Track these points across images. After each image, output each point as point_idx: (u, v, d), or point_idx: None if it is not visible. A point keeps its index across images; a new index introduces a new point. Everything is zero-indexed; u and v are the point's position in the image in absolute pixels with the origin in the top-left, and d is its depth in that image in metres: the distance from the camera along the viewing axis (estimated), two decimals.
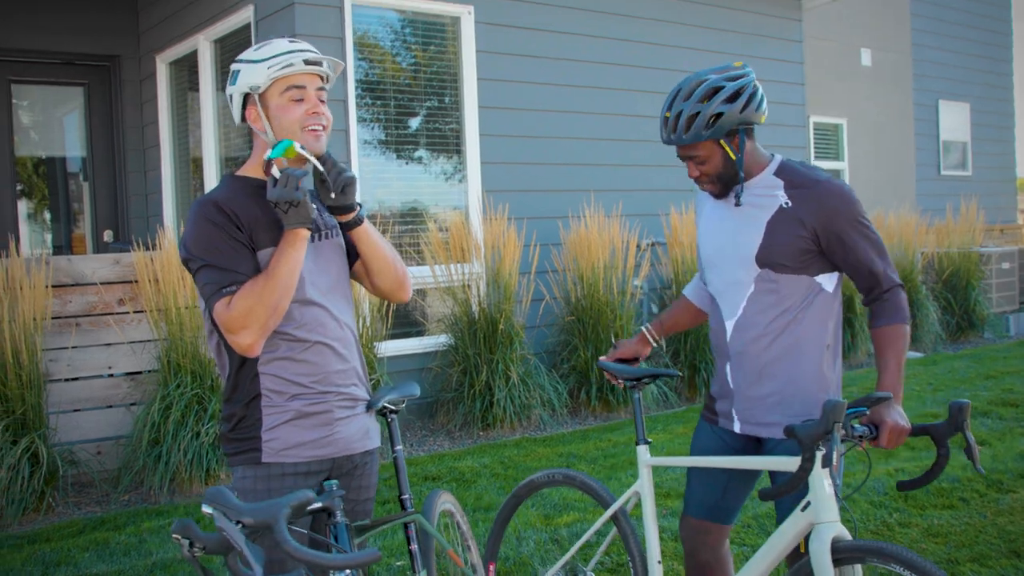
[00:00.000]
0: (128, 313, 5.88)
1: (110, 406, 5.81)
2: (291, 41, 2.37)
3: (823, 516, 2.31)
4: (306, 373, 2.35)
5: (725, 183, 2.62)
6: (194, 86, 8.17)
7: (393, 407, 2.76)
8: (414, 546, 2.77)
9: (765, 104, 2.58)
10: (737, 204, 2.61)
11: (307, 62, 2.33)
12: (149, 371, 5.86)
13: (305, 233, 2.27)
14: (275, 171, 2.24)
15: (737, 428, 2.70)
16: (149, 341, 5.86)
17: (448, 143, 7.53)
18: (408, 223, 7.35)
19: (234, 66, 2.39)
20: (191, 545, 1.73)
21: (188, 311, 5.66)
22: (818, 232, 2.52)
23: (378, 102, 7.19)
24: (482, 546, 3.98)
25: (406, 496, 2.82)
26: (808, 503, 2.35)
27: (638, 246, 7.83)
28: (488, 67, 7.54)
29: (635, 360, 3.08)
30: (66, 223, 9.18)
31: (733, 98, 2.52)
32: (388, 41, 7.32)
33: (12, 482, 5.06)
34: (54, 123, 9.30)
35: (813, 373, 2.60)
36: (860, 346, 9.41)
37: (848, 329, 9.31)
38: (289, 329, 2.33)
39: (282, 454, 2.33)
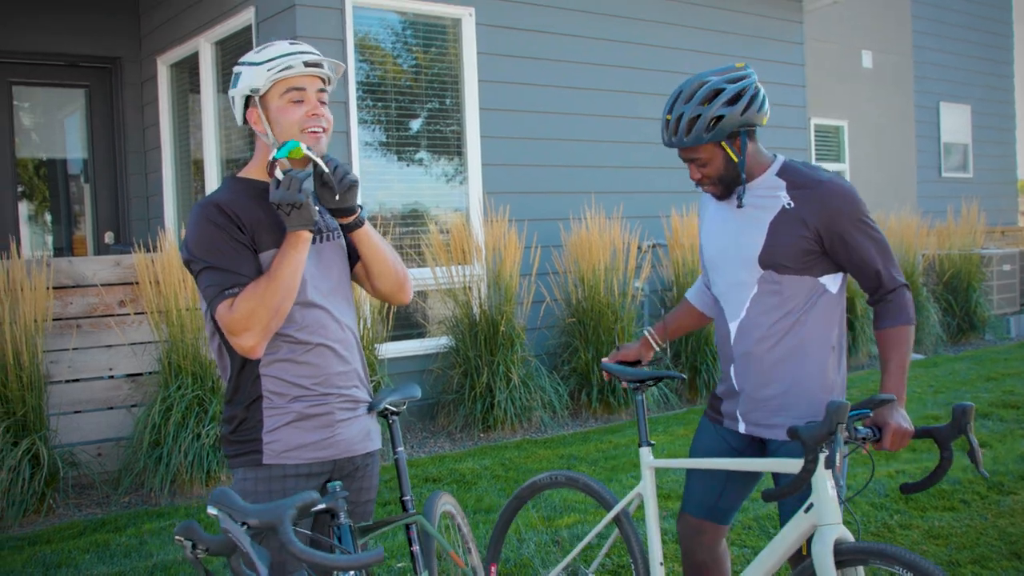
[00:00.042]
0: (129, 315, 5.88)
1: (111, 408, 5.81)
2: (292, 43, 2.37)
3: (826, 518, 2.30)
4: (307, 375, 2.35)
5: (727, 185, 2.62)
6: (195, 88, 8.17)
7: (394, 409, 2.76)
8: (415, 547, 2.77)
9: (767, 105, 2.57)
10: (739, 206, 2.60)
11: (307, 64, 2.33)
12: (150, 373, 5.86)
13: (307, 235, 2.27)
14: (278, 173, 2.24)
15: (742, 429, 2.70)
16: (150, 343, 5.86)
17: (449, 145, 7.53)
18: (409, 225, 7.35)
19: (236, 68, 2.39)
20: (194, 547, 1.73)
21: (189, 313, 5.66)
22: (821, 232, 2.51)
23: (379, 104, 7.20)
24: (483, 548, 3.98)
25: (407, 498, 2.82)
26: (811, 505, 2.35)
27: (639, 248, 7.82)
28: (489, 69, 7.55)
29: (637, 363, 3.08)
30: (67, 225, 9.19)
31: (734, 100, 2.51)
32: (389, 43, 7.32)
33: (13, 484, 5.06)
34: (55, 125, 9.30)
35: (818, 375, 2.59)
36: (861, 347, 9.40)
37: (849, 331, 9.30)
38: (290, 331, 2.32)
39: (283, 456, 2.32)
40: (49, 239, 9.14)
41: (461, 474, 5.66)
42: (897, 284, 2.54)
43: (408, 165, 7.39)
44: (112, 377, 5.84)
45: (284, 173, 2.24)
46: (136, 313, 5.88)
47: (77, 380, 5.74)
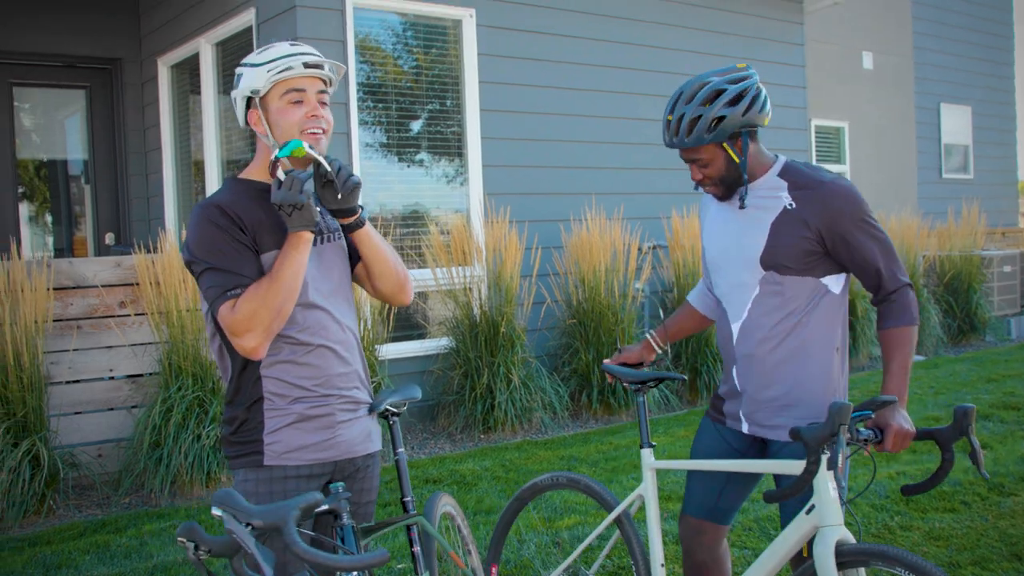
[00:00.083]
0: (129, 316, 5.88)
1: (111, 409, 5.81)
2: (292, 44, 2.37)
3: (827, 519, 2.30)
4: (308, 376, 2.35)
5: (728, 186, 2.61)
6: (196, 89, 8.18)
7: (395, 410, 2.75)
8: (417, 548, 2.78)
9: (769, 106, 2.56)
10: (741, 207, 2.60)
11: (307, 65, 2.33)
12: (150, 374, 5.85)
13: (308, 236, 2.27)
14: (280, 173, 2.24)
15: (745, 429, 2.69)
16: (150, 344, 5.86)
17: (450, 146, 7.53)
18: (410, 226, 7.35)
19: (238, 70, 2.39)
20: (196, 548, 1.73)
21: (189, 314, 5.66)
22: (823, 233, 2.51)
23: (380, 105, 7.20)
24: (483, 549, 3.98)
25: (408, 499, 2.82)
26: (812, 506, 2.34)
27: (639, 249, 7.82)
28: (489, 70, 7.55)
29: (639, 365, 3.08)
30: (67, 226, 9.18)
31: (735, 101, 2.51)
32: (390, 44, 7.32)
33: (13, 485, 5.06)
34: (56, 126, 9.30)
35: (821, 376, 2.59)
36: (862, 349, 9.40)
37: (850, 332, 9.30)
38: (292, 332, 2.32)
39: (284, 457, 2.32)
40: (50, 240, 9.14)
41: (461, 475, 5.65)
42: (900, 284, 2.53)
43: (409, 166, 7.39)
44: (112, 378, 5.84)
45: (286, 174, 2.24)
46: (136, 314, 5.88)
47: (77, 381, 5.73)
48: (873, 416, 2.38)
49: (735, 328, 2.68)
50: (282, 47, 2.36)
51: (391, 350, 6.72)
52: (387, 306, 6.50)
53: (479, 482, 5.51)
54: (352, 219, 2.41)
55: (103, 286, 5.82)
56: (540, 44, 7.85)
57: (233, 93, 2.40)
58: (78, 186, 9.22)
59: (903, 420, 2.36)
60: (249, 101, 2.37)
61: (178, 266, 5.68)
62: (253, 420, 2.33)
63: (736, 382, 2.70)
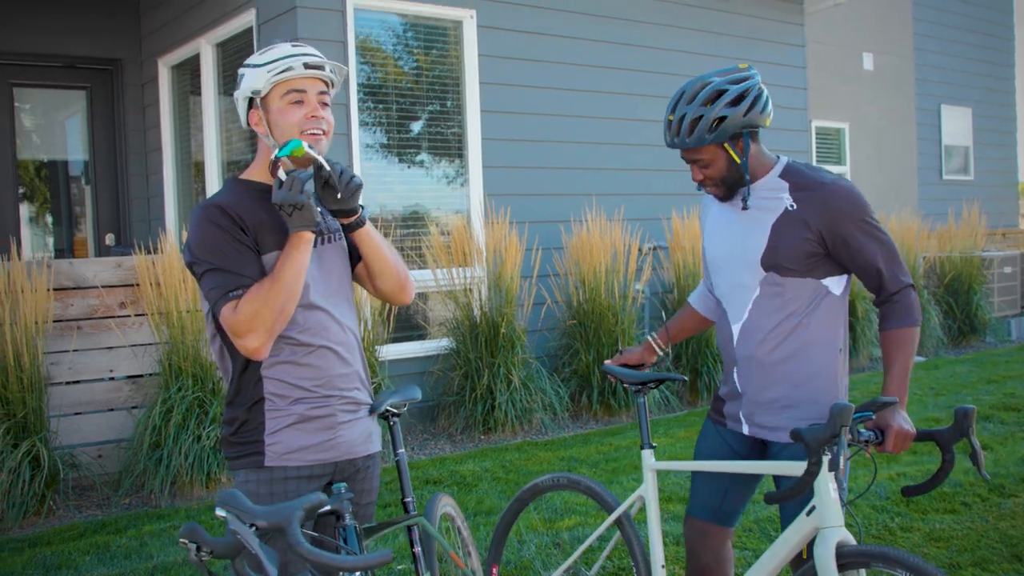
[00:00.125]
0: (129, 316, 5.88)
1: (111, 409, 5.81)
2: (294, 45, 2.37)
3: (828, 521, 2.30)
4: (309, 377, 2.35)
5: (729, 186, 2.61)
6: (196, 90, 8.18)
7: (395, 411, 2.76)
8: (418, 548, 2.78)
9: (770, 107, 2.56)
10: (744, 208, 2.59)
11: (307, 66, 2.33)
12: (150, 374, 5.85)
13: (310, 236, 2.27)
14: (281, 173, 2.24)
15: (746, 430, 2.69)
16: (150, 344, 5.85)
17: (450, 147, 7.53)
18: (410, 227, 7.35)
19: (240, 71, 2.40)
20: (199, 549, 1.73)
21: (189, 314, 5.66)
22: (824, 234, 2.50)
23: (380, 106, 7.20)
24: (483, 550, 3.98)
25: (409, 499, 2.82)
26: (813, 507, 2.34)
27: (640, 250, 7.82)
28: (490, 71, 7.55)
29: (640, 366, 3.07)
30: (68, 227, 9.19)
31: (737, 101, 2.50)
32: (390, 45, 7.32)
33: (13, 485, 5.05)
34: (56, 126, 9.30)
35: (822, 377, 2.58)
36: (862, 350, 9.40)
37: (850, 332, 9.30)
38: (293, 333, 2.32)
39: (285, 458, 2.32)
40: (50, 241, 9.14)
41: (462, 476, 5.65)
42: (902, 285, 2.52)
43: (409, 167, 7.39)
44: (113, 379, 5.84)
45: (287, 174, 2.24)
46: (137, 315, 5.88)
47: (78, 382, 5.73)
48: (874, 417, 2.38)
49: (735, 329, 2.67)
50: (283, 48, 2.36)
51: (391, 351, 6.72)
52: (387, 307, 6.50)
53: (479, 483, 5.51)
54: (352, 219, 2.41)
55: (103, 287, 5.82)
56: (540, 45, 7.86)
57: (235, 93, 2.40)
58: (78, 187, 9.23)
59: (903, 421, 2.36)
60: (251, 102, 2.37)
61: (178, 267, 5.68)
62: (254, 421, 2.33)
63: (736, 383, 2.70)
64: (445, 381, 7.01)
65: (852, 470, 5.37)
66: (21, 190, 8.86)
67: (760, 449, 2.71)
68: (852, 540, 2.30)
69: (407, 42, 7.35)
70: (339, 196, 2.32)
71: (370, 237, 2.47)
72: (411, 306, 7.19)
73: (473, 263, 6.98)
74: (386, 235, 6.82)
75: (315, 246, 2.38)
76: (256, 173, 2.42)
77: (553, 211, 7.79)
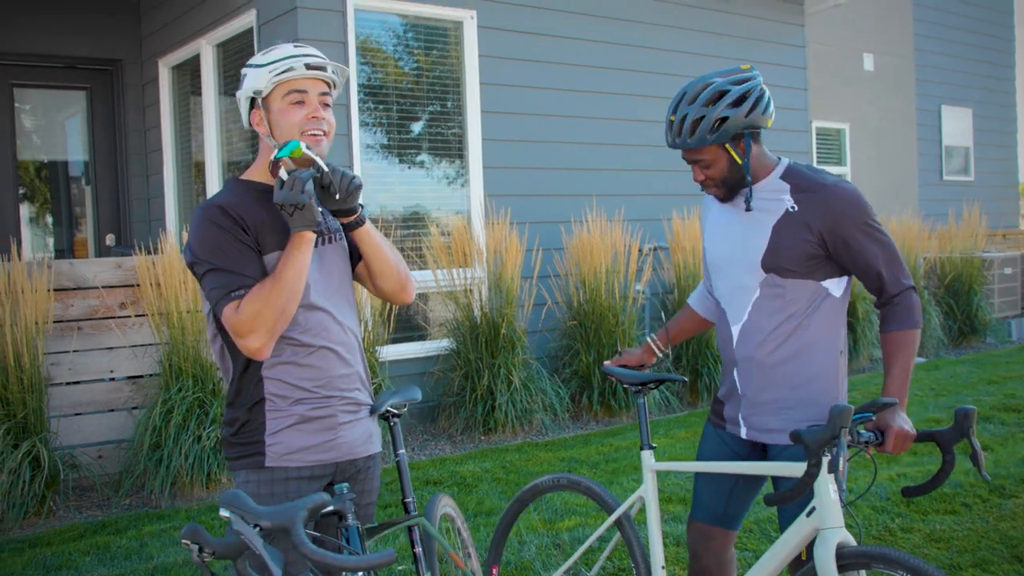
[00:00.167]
0: (130, 317, 5.88)
1: (111, 410, 5.80)
2: (296, 46, 2.37)
3: (828, 522, 2.30)
4: (310, 378, 2.35)
5: (730, 187, 2.61)
6: (196, 90, 8.18)
7: (395, 411, 2.76)
8: (418, 549, 2.78)
9: (772, 108, 2.56)
10: (748, 209, 2.58)
11: (309, 66, 2.33)
12: (151, 375, 5.85)
13: (311, 236, 2.27)
14: (282, 173, 2.24)
15: (743, 434, 2.69)
16: (151, 345, 5.86)
17: (450, 147, 7.53)
18: (410, 227, 7.35)
19: (242, 71, 2.40)
20: (201, 550, 1.73)
21: (190, 315, 5.66)
22: (824, 236, 2.50)
23: (380, 106, 7.20)
24: (483, 551, 3.97)
25: (410, 499, 2.82)
26: (813, 508, 2.34)
27: (640, 251, 7.82)
28: (490, 71, 7.55)
29: (640, 367, 3.07)
30: (68, 227, 9.19)
31: (739, 102, 2.50)
32: (391, 45, 7.32)
33: (13, 486, 5.05)
34: (56, 127, 9.31)
35: (821, 378, 2.58)
36: (862, 351, 9.40)
37: (850, 333, 9.30)
38: (294, 334, 2.32)
39: (285, 458, 2.32)
40: (50, 241, 9.14)
41: (462, 477, 5.65)
42: (903, 288, 2.52)
43: (409, 168, 7.39)
44: (113, 379, 5.84)
45: (288, 174, 2.24)
46: (137, 315, 5.88)
47: (78, 382, 5.73)
48: (873, 418, 2.38)
49: (735, 330, 2.67)
50: (286, 48, 2.36)
51: (391, 351, 6.72)
52: (388, 307, 6.50)
53: (479, 483, 5.51)
54: (352, 218, 2.41)
55: (103, 287, 5.82)
56: (541, 46, 7.86)
57: (238, 93, 2.41)
58: (79, 187, 9.23)
59: (903, 422, 2.36)
60: (252, 102, 2.37)
61: (179, 267, 5.68)
62: (255, 421, 2.33)
63: (736, 385, 2.70)
64: (445, 382, 7.01)
65: (853, 471, 5.37)
66: (21, 190, 8.86)
67: (759, 452, 2.71)
68: (852, 541, 2.30)
69: (407, 43, 7.35)
70: (337, 197, 2.32)
71: (370, 236, 2.47)
72: (411, 307, 7.19)
73: (473, 264, 6.98)
74: (386, 236, 6.80)
75: (316, 246, 2.38)
76: (257, 173, 2.43)
77: (553, 212, 7.80)
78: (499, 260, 6.95)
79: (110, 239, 9.07)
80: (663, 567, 2.83)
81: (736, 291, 2.65)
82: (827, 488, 2.30)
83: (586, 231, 7.43)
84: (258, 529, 1.75)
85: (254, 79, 2.34)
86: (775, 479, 2.63)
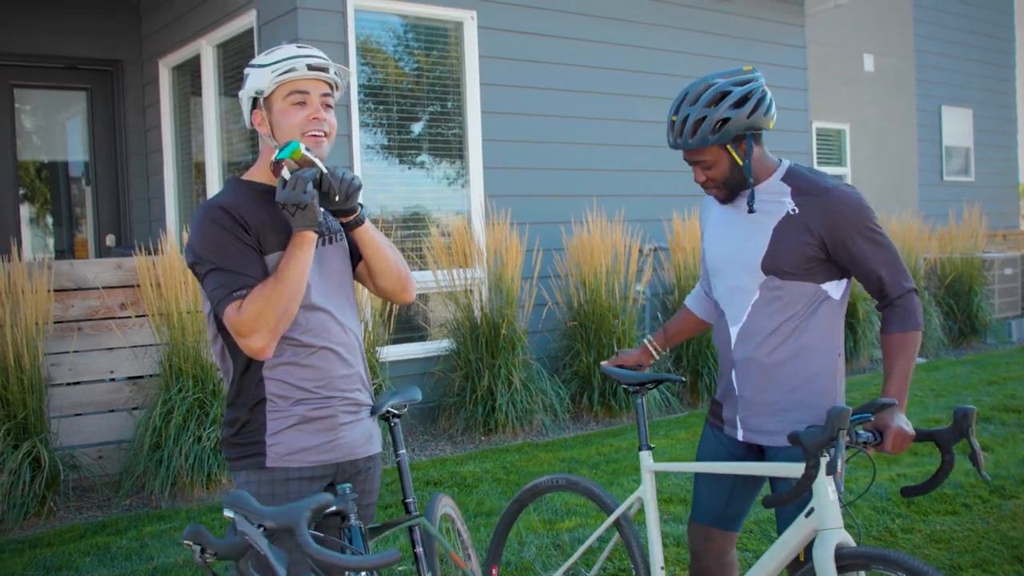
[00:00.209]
0: (130, 317, 5.88)
1: (112, 410, 5.81)
2: (299, 47, 2.38)
3: (827, 522, 2.30)
4: (311, 378, 2.35)
5: (731, 188, 2.61)
6: (197, 91, 8.18)
7: (396, 412, 2.76)
8: (419, 549, 2.78)
9: (774, 109, 2.55)
10: (750, 211, 2.58)
11: (311, 67, 2.33)
12: (151, 375, 5.85)
13: (312, 236, 2.27)
14: (284, 173, 2.25)
15: (740, 436, 2.69)
16: (151, 345, 5.86)
17: (451, 148, 7.53)
18: (411, 228, 7.35)
19: (245, 71, 2.41)
20: (203, 551, 1.73)
21: (190, 315, 5.66)
22: (825, 239, 2.50)
23: (381, 107, 7.20)
24: (483, 551, 3.98)
25: (410, 500, 2.83)
26: (812, 509, 2.34)
27: (640, 251, 7.82)
28: (490, 72, 7.55)
29: (637, 368, 3.07)
30: (68, 227, 9.19)
31: (740, 103, 2.50)
32: (391, 46, 7.33)
33: (13, 486, 5.05)
34: (56, 127, 9.31)
35: (819, 380, 2.58)
36: (862, 351, 9.40)
37: (850, 334, 9.30)
38: (295, 334, 2.33)
39: (286, 459, 2.32)
40: (50, 241, 9.15)
41: (462, 477, 5.65)
42: (904, 290, 2.51)
43: (410, 168, 7.39)
44: (113, 380, 5.84)
45: (290, 173, 2.24)
46: (137, 316, 5.89)
47: (78, 383, 5.73)
48: (872, 419, 2.38)
49: (733, 332, 2.67)
50: (288, 49, 2.36)
51: (392, 352, 6.72)
52: (388, 308, 6.50)
53: (480, 484, 5.51)
54: (351, 218, 2.42)
55: (104, 288, 5.82)
56: (540, 46, 7.86)
57: (240, 93, 2.41)
58: (79, 188, 9.23)
59: (902, 422, 2.36)
60: (254, 102, 2.38)
61: (179, 268, 5.68)
62: (255, 422, 2.34)
63: (733, 386, 2.70)
64: (446, 382, 7.01)
65: (853, 471, 5.37)
66: (21, 191, 8.86)
67: (757, 454, 2.71)
68: (851, 542, 2.30)
69: (407, 43, 7.35)
70: (337, 199, 2.33)
71: (370, 236, 2.48)
72: (412, 307, 7.20)
73: (474, 264, 6.98)
74: (387, 236, 6.81)
75: (317, 247, 2.39)
76: (258, 174, 2.43)
77: (554, 212, 7.80)
78: (499, 260, 6.95)
79: (110, 239, 9.07)
80: (662, 567, 2.83)
81: (735, 292, 2.65)
82: (826, 489, 2.30)
83: (586, 232, 7.43)
84: (262, 529, 1.76)
85: (256, 79, 2.34)
86: (772, 480, 2.63)
